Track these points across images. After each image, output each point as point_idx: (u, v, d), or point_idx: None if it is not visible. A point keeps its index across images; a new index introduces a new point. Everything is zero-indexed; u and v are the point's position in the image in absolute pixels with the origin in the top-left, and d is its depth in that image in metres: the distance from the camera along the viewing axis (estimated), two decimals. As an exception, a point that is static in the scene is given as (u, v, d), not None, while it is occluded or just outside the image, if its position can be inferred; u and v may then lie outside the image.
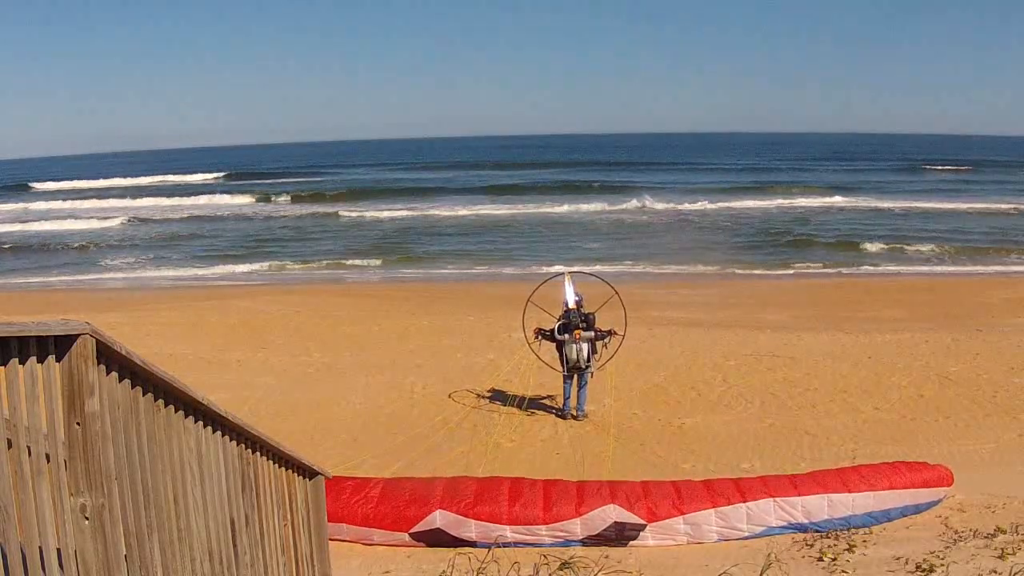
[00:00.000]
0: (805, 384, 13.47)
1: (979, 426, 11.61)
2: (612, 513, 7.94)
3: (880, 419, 11.98)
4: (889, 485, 8.49)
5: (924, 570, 6.70)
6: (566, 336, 12.01)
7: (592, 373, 12.23)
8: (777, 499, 8.18)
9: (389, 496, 8.22)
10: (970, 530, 7.71)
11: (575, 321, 12.02)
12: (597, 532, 7.90)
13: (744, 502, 8.09)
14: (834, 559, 7.28)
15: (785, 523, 8.15)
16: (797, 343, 15.95)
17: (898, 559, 7.08)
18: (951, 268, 27.50)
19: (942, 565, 6.70)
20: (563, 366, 12.20)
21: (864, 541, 7.74)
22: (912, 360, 14.55)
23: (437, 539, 8.00)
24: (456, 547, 7.72)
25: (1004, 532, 7.52)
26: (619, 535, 7.96)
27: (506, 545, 7.62)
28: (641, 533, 7.94)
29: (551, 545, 7.80)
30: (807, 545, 7.77)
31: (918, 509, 8.67)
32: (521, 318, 12.62)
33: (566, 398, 12.43)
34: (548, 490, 8.13)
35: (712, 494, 8.13)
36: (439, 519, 7.99)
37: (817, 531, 8.11)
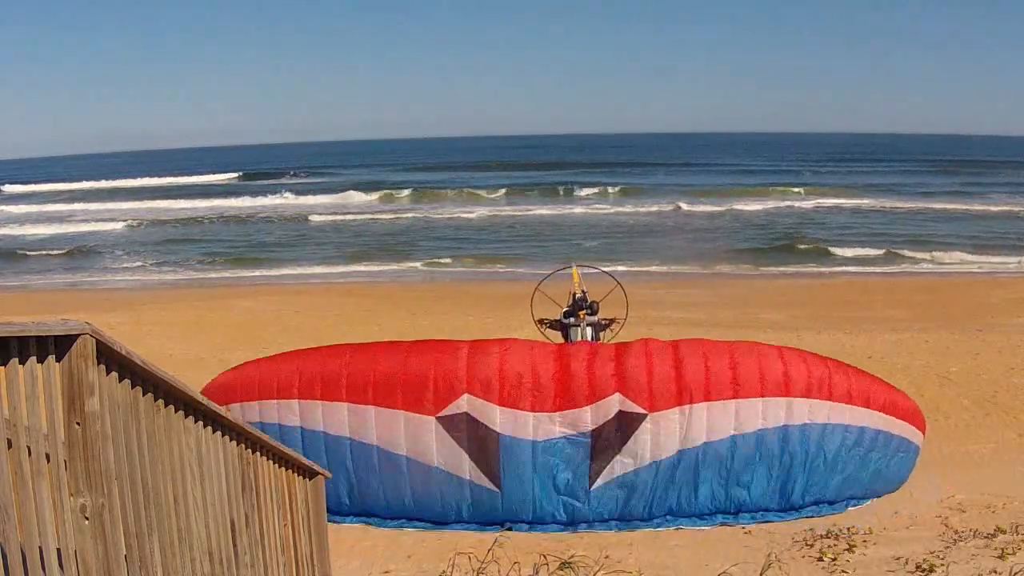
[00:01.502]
0: (805, 384, 13.45)
1: (979, 426, 11.60)
2: (617, 403, 8.11)
3: (880, 419, 11.97)
4: (865, 402, 8.62)
5: (924, 570, 6.70)
6: (571, 320, 12.21)
7: None
8: (766, 399, 8.28)
9: (414, 373, 8.35)
10: (970, 530, 7.71)
11: (583, 306, 12.23)
12: (602, 423, 8.12)
13: (735, 399, 8.22)
14: (834, 559, 7.28)
15: (764, 426, 8.27)
16: (797, 343, 15.87)
17: (898, 559, 7.09)
18: (951, 268, 27.50)
19: (942, 565, 6.70)
20: None
21: (864, 541, 7.73)
22: (912, 360, 14.54)
23: (464, 428, 8.20)
24: (478, 433, 8.10)
25: (1004, 532, 7.52)
26: (621, 427, 8.15)
27: (512, 441, 8.08)
28: (641, 424, 8.13)
29: (564, 439, 8.13)
30: (807, 545, 7.77)
31: (889, 446, 8.79)
32: (530, 304, 12.66)
33: None
34: (563, 371, 8.32)
35: (708, 390, 8.22)
36: (466, 404, 8.16)
37: (789, 441, 8.33)
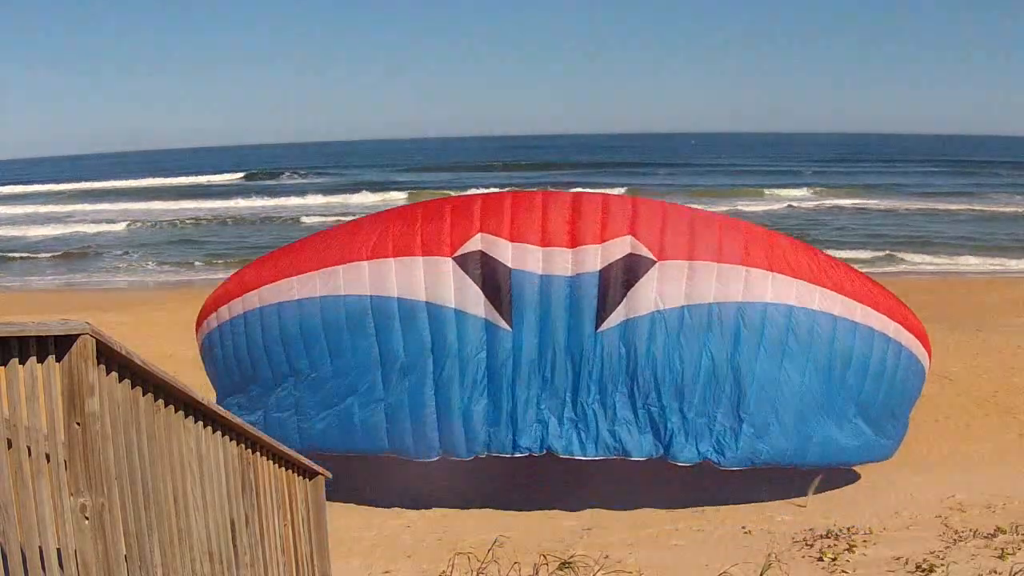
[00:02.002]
0: (805, 384, 13.45)
1: (979, 426, 11.60)
2: (628, 244, 8.10)
3: (880, 419, 11.97)
4: (874, 304, 8.60)
5: (924, 570, 6.70)
6: None
7: None
8: (775, 275, 8.20)
9: (431, 221, 8.44)
10: (970, 530, 7.71)
11: None
12: (611, 262, 8.11)
13: (745, 266, 8.16)
14: (834, 559, 7.28)
15: (775, 301, 8.18)
16: (797, 343, 15.93)
17: (898, 559, 7.08)
18: (951, 268, 27.49)
19: (942, 565, 6.70)
20: None
21: (864, 541, 7.73)
22: (912, 360, 14.54)
23: (479, 264, 8.25)
24: (494, 274, 8.12)
25: (1004, 532, 7.51)
26: (629, 268, 8.10)
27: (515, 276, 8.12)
28: (648, 271, 8.08)
29: (574, 276, 8.10)
30: (807, 545, 7.76)
31: (899, 360, 8.75)
32: None
33: None
34: (576, 211, 8.32)
35: (720, 253, 8.20)
36: (480, 242, 8.21)
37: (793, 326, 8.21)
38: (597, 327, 8.13)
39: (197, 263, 30.98)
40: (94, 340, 2.88)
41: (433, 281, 8.23)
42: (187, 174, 73.57)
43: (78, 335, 2.84)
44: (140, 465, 3.26)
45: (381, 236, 8.48)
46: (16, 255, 33.91)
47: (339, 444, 8.67)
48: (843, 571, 7.01)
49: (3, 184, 68.03)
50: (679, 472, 10.40)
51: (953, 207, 42.05)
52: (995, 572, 6.40)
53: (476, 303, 8.17)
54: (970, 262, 28.30)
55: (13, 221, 44.55)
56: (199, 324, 9.65)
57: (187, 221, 42.55)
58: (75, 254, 33.99)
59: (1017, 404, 12.36)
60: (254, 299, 8.82)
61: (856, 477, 10.07)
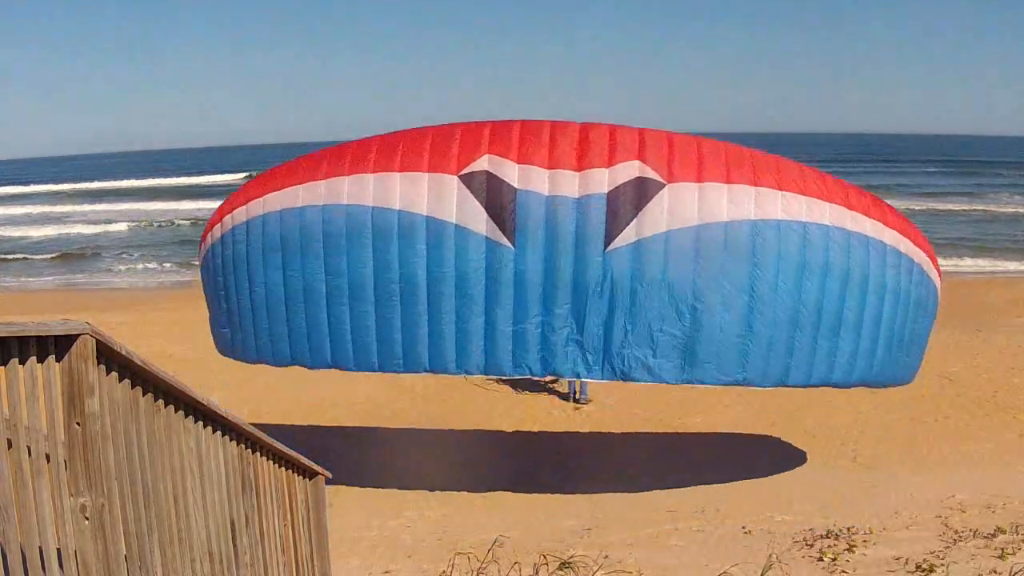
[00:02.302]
0: (805, 384, 13.46)
1: (979, 426, 11.61)
2: (636, 168, 8.08)
3: (880, 419, 11.98)
4: (883, 219, 8.61)
5: (924, 570, 6.70)
6: None
7: None
8: (785, 193, 8.19)
9: (441, 141, 8.44)
10: (970, 530, 7.71)
11: None
12: (619, 184, 8.06)
13: (755, 186, 8.14)
14: (834, 559, 7.28)
15: (787, 218, 8.14)
16: (797, 343, 15.94)
17: (898, 559, 7.08)
18: (951, 268, 27.49)
19: (942, 565, 6.70)
20: None
21: (864, 541, 7.73)
22: (912, 360, 14.54)
23: (484, 184, 8.20)
24: (499, 193, 8.06)
25: (1004, 532, 7.52)
26: (638, 191, 8.07)
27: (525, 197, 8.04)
28: (658, 193, 8.05)
29: (581, 197, 8.04)
30: (807, 545, 7.77)
31: (912, 275, 8.75)
32: None
33: (570, 384, 12.80)
34: (584, 139, 8.30)
35: (729, 175, 8.17)
36: (487, 163, 8.19)
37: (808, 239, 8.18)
38: (606, 247, 8.03)
39: (197, 263, 30.96)
40: (94, 340, 2.88)
41: (436, 197, 8.19)
42: (187, 174, 73.56)
43: (78, 335, 2.84)
44: (140, 465, 3.26)
45: (390, 152, 8.49)
46: (16, 255, 33.92)
47: (328, 357, 8.57)
48: (843, 571, 7.01)
49: (3, 184, 67.98)
50: (680, 472, 10.43)
51: (953, 207, 42.03)
52: (995, 572, 6.40)
53: (478, 221, 8.09)
54: (970, 262, 28.30)
55: (13, 222, 44.55)
56: (202, 241, 9.71)
57: (187, 221, 42.53)
58: (75, 254, 34.00)
59: (1017, 404, 12.36)
60: (258, 207, 8.85)
61: (856, 477, 10.09)
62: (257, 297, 8.76)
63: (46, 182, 70.34)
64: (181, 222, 42.31)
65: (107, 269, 30.69)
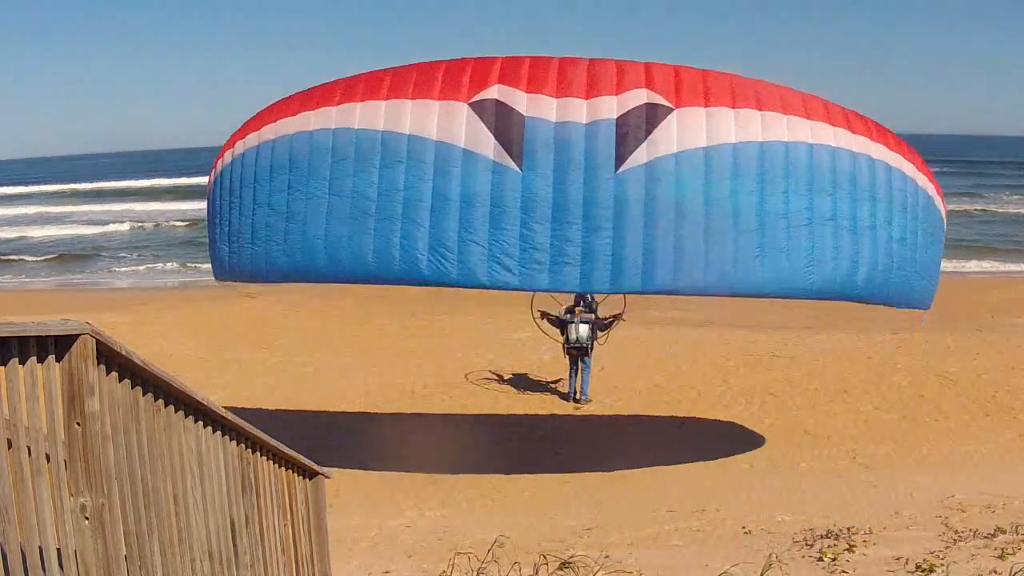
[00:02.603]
0: (805, 384, 13.47)
1: (979, 426, 11.61)
2: (644, 95, 8.20)
3: (880, 419, 11.98)
4: (885, 142, 8.76)
5: (924, 570, 6.70)
6: (569, 316, 12.42)
7: (591, 349, 12.59)
8: (789, 117, 8.32)
9: (453, 73, 8.56)
10: (970, 530, 7.71)
11: (581, 304, 12.45)
12: (629, 109, 8.15)
13: (760, 110, 8.28)
14: (834, 559, 7.27)
15: (793, 140, 8.26)
16: (797, 343, 15.95)
17: (898, 559, 7.08)
18: (951, 268, 27.48)
19: (942, 565, 6.70)
20: (565, 343, 12.58)
21: (864, 541, 7.73)
22: (912, 360, 14.55)
23: (493, 110, 8.29)
24: (507, 119, 8.15)
25: (1004, 532, 7.51)
26: (648, 115, 8.15)
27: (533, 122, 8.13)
28: (667, 117, 8.14)
29: (590, 123, 8.09)
30: (807, 545, 7.76)
31: (918, 199, 8.99)
32: (531, 299, 12.72)
33: (571, 383, 12.86)
34: (592, 72, 8.41)
35: (735, 100, 8.30)
36: (497, 92, 8.30)
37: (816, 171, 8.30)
38: (616, 168, 8.10)
39: (197, 263, 30.99)
40: (94, 340, 2.88)
41: (446, 123, 8.30)
42: (188, 175, 73.53)
43: (78, 335, 2.84)
44: (140, 465, 3.26)
45: (403, 82, 8.63)
46: (16, 255, 33.92)
47: (323, 268, 8.60)
48: (843, 571, 7.01)
49: (3, 185, 67.97)
50: (680, 472, 10.43)
51: (954, 208, 41.99)
52: (995, 572, 6.40)
53: (487, 145, 8.18)
54: (970, 263, 28.31)
55: (13, 222, 44.54)
56: (212, 168, 9.80)
57: (187, 222, 42.52)
58: (75, 255, 34.00)
59: (1017, 404, 12.36)
60: (270, 132, 9.00)
61: (856, 477, 10.09)
62: (260, 214, 8.84)
63: (46, 182, 70.31)
64: (181, 222, 42.31)
65: (107, 269, 30.69)
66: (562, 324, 12.47)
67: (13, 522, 2.51)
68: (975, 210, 41.07)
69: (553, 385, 13.46)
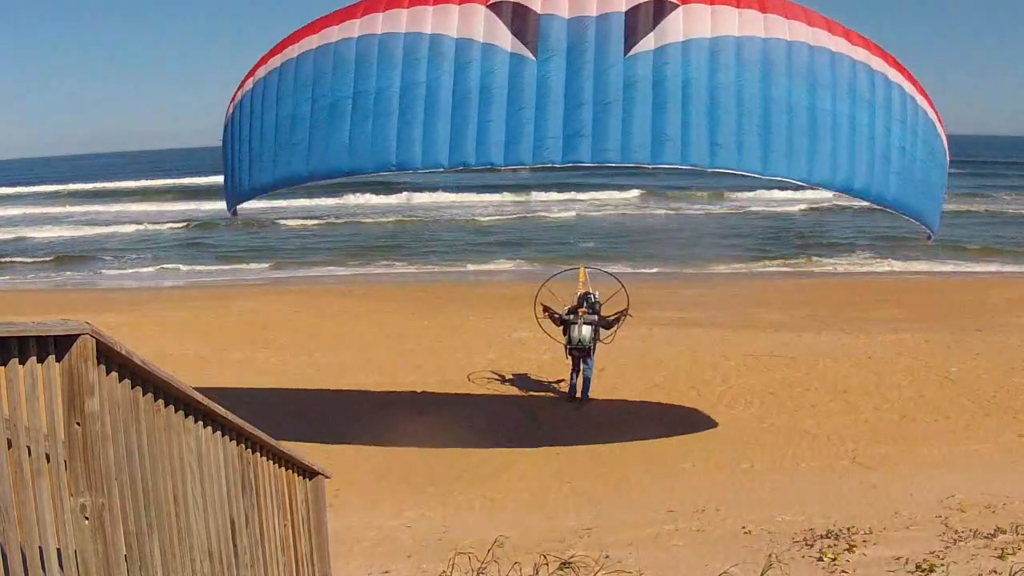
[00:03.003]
0: (805, 384, 13.47)
1: (979, 426, 11.61)
2: None
3: (880, 419, 11.98)
4: (883, 57, 9.06)
5: (924, 570, 6.70)
6: (571, 317, 12.45)
7: (594, 351, 12.61)
8: (791, 21, 8.64)
9: None
10: (970, 530, 7.71)
11: (584, 305, 12.50)
12: (637, 4, 8.55)
13: (763, 12, 8.62)
14: (834, 559, 7.28)
15: (794, 40, 8.57)
16: (797, 343, 15.95)
17: (898, 559, 7.08)
18: (951, 268, 27.49)
19: (942, 565, 6.70)
20: (566, 345, 12.61)
21: (864, 541, 7.73)
22: (912, 360, 14.55)
23: (510, 11, 8.67)
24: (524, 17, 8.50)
25: (1004, 532, 7.51)
26: (655, 9, 8.52)
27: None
28: (674, 12, 8.52)
29: (599, 16, 8.51)
30: (807, 545, 7.77)
31: (918, 116, 9.23)
32: (534, 299, 12.76)
33: (572, 384, 12.84)
34: None
35: (739, 1, 8.63)
36: None
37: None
38: (625, 54, 8.46)
39: (197, 264, 30.99)
40: (94, 340, 2.88)
41: (465, 23, 8.69)
42: (188, 174, 73.52)
43: (78, 335, 2.84)
44: (140, 465, 3.26)
45: None
46: (17, 255, 33.92)
47: (345, 163, 8.86)
48: (843, 571, 7.01)
49: (3, 185, 67.97)
50: (679, 472, 10.44)
51: (954, 208, 42.01)
52: (995, 572, 6.40)
53: (504, 39, 8.60)
54: (971, 262, 28.31)
55: (12, 222, 44.54)
56: (231, 101, 10.04)
57: (187, 222, 42.52)
58: (75, 254, 33.99)
59: (1017, 404, 12.36)
60: (293, 51, 9.29)
61: (856, 477, 10.09)
62: (283, 123, 9.12)
63: (46, 182, 70.29)
64: (180, 223, 42.30)
65: (107, 269, 30.68)
66: (564, 323, 12.51)
67: (13, 522, 2.51)
68: (976, 210, 41.04)
69: (554, 385, 13.46)
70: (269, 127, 9.23)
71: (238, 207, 10.42)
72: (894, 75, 9.06)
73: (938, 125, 9.69)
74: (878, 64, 8.94)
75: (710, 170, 8.64)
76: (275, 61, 9.39)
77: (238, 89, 9.87)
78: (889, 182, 9.06)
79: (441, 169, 8.79)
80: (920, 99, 9.36)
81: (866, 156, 8.81)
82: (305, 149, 8.95)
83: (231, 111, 9.94)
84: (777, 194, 47.82)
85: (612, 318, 12.56)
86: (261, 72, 9.54)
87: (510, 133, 8.52)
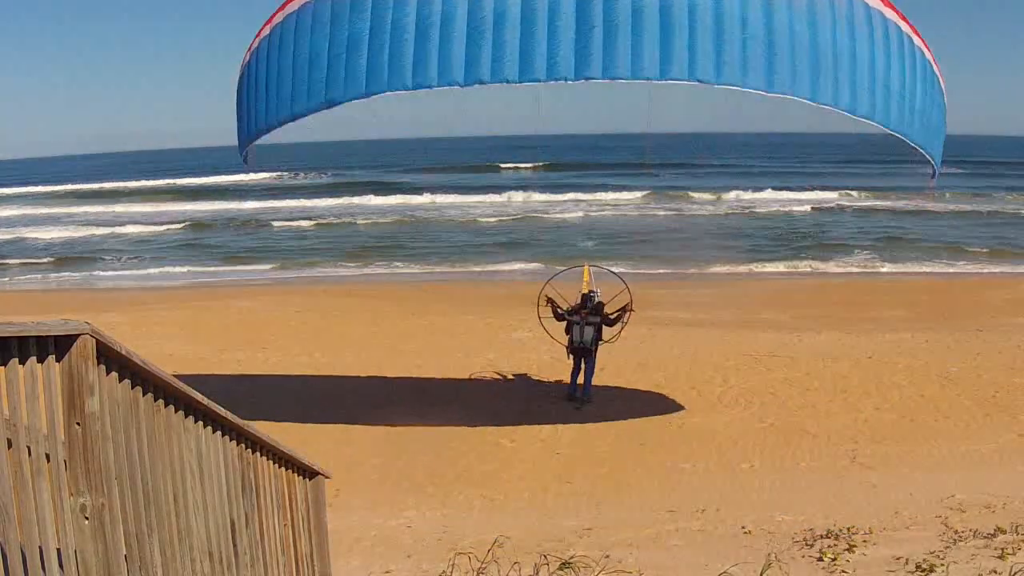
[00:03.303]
0: (805, 384, 13.47)
1: (979, 426, 11.61)
2: None
3: (880, 419, 11.98)
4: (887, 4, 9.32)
5: (924, 570, 6.70)
6: (575, 317, 12.48)
7: (595, 352, 12.67)
8: None
9: None
10: (970, 530, 7.71)
11: (588, 305, 12.52)
12: None
13: None
14: (834, 559, 7.28)
15: None
16: (797, 343, 15.95)
17: (898, 559, 7.08)
18: (951, 268, 27.50)
19: (942, 565, 6.70)
20: (568, 345, 12.63)
21: (864, 541, 7.73)
22: (912, 360, 14.55)
23: None
24: None
25: (1004, 532, 7.51)
26: None
27: None
28: None
29: None
30: (807, 545, 7.77)
31: (915, 60, 9.52)
32: (537, 298, 12.77)
33: (573, 383, 12.85)
34: None
35: None
36: None
37: None
38: None
39: (197, 264, 31.00)
40: (94, 340, 2.88)
41: None
42: (189, 175, 73.53)
43: (78, 335, 2.84)
44: (140, 465, 3.26)
45: None
46: (17, 255, 33.92)
47: (363, 87, 9.01)
48: (843, 571, 7.01)
49: (3, 185, 67.98)
50: (679, 472, 10.44)
51: (955, 208, 42.03)
52: (995, 572, 6.40)
53: None
54: (970, 263, 28.32)
55: (12, 223, 44.54)
56: (247, 51, 10.24)
57: (188, 222, 42.52)
58: (75, 254, 34.00)
59: (1017, 404, 12.36)
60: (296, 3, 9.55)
61: (856, 477, 10.09)
62: (300, 61, 9.36)
63: (46, 182, 70.30)
64: (181, 223, 42.30)
65: (108, 270, 30.69)
66: (563, 319, 12.56)
67: (13, 522, 2.51)
68: (977, 211, 41.03)
69: (555, 385, 13.46)
70: (287, 66, 9.49)
71: (249, 152, 10.63)
72: (890, 14, 9.30)
73: (933, 66, 9.94)
74: (874, 2, 9.17)
75: (717, 86, 8.70)
76: (292, 6, 9.60)
77: (255, 38, 10.11)
78: (891, 109, 9.30)
79: (457, 87, 8.84)
80: (917, 41, 9.62)
81: (868, 84, 9.07)
82: (322, 80, 9.18)
83: (247, 58, 10.21)
84: (778, 195, 47.92)
85: (614, 316, 12.60)
86: (278, 18, 9.80)
87: (524, 53, 8.65)
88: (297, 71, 9.43)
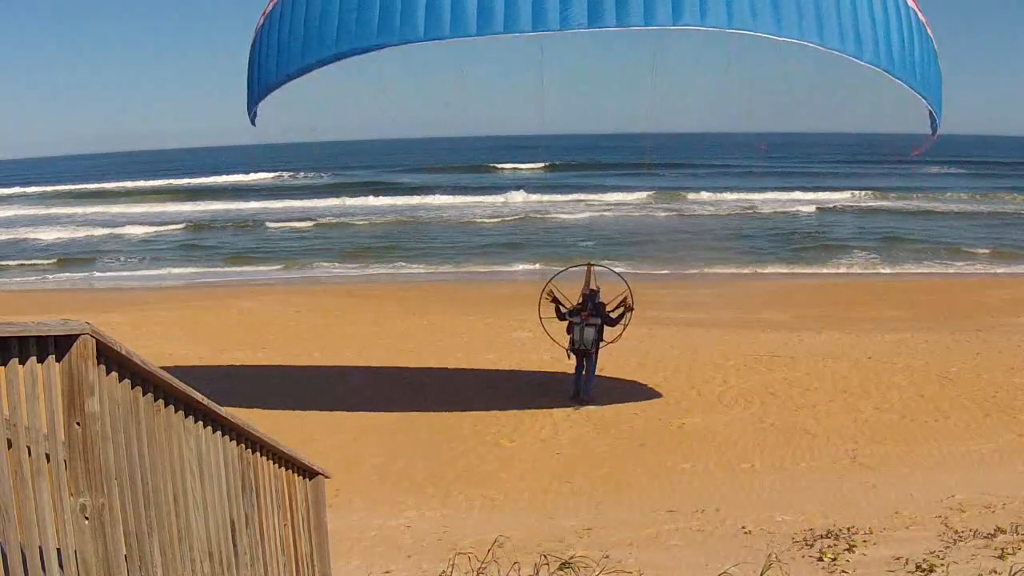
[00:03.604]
0: (805, 384, 13.47)
1: (979, 426, 11.61)
2: None
3: (880, 419, 11.98)
4: None
5: (924, 570, 6.69)
6: (576, 319, 12.50)
7: (597, 351, 12.71)
8: None
9: None
10: (970, 530, 7.71)
11: (589, 306, 12.55)
12: None
13: None
14: (834, 559, 7.27)
15: None
16: (797, 343, 15.95)
17: (898, 559, 7.08)
18: (951, 268, 27.50)
19: (942, 565, 6.70)
20: (569, 345, 12.67)
21: (864, 541, 7.73)
22: (912, 360, 14.55)
23: None
24: None
25: (1004, 532, 7.51)
26: None
27: None
28: None
29: None
30: (807, 545, 7.76)
31: (911, 25, 9.88)
32: (539, 297, 12.78)
33: (576, 381, 12.92)
34: None
35: None
36: None
37: None
38: None
39: (197, 264, 31.00)
40: (94, 340, 2.88)
41: None
42: (190, 175, 73.46)
43: (78, 335, 2.84)
44: (140, 465, 3.26)
45: None
46: (17, 255, 33.92)
47: (374, 37, 9.11)
48: (843, 571, 7.01)
49: (3, 186, 67.96)
50: (679, 472, 10.44)
51: (956, 208, 42.03)
52: (995, 572, 6.40)
53: None
54: (970, 263, 28.32)
55: (13, 223, 44.54)
56: (262, 15, 10.43)
57: (188, 223, 42.52)
58: (76, 255, 34.00)
59: (1017, 404, 12.36)
60: None
61: (856, 477, 10.09)
62: (312, 12, 9.53)
63: (46, 182, 70.28)
64: (181, 223, 42.30)
65: (107, 270, 30.69)
66: (564, 318, 12.60)
67: (13, 522, 2.52)
68: (978, 211, 41.04)
69: (551, 384, 13.47)
70: (299, 21, 9.67)
71: (257, 115, 10.86)
72: None
73: (927, 29, 10.23)
74: None
75: (728, 31, 8.82)
76: None
77: (269, 3, 10.31)
78: (894, 57, 9.57)
79: (471, 36, 8.91)
80: (910, 1, 9.93)
81: (871, 33, 9.36)
82: (333, 32, 9.34)
83: (261, 22, 10.39)
84: (778, 195, 47.88)
85: (615, 315, 12.62)
86: (268, 6, 10.03)
87: (537, 3, 8.67)
88: (309, 25, 9.58)
